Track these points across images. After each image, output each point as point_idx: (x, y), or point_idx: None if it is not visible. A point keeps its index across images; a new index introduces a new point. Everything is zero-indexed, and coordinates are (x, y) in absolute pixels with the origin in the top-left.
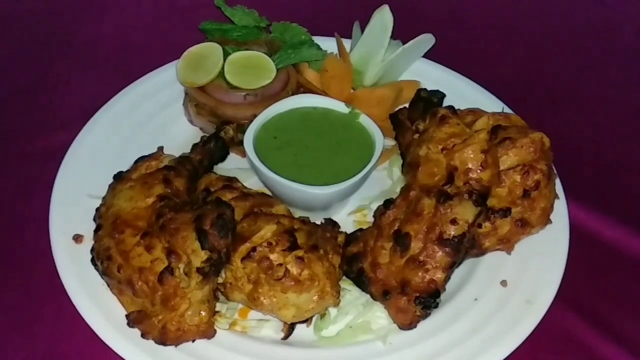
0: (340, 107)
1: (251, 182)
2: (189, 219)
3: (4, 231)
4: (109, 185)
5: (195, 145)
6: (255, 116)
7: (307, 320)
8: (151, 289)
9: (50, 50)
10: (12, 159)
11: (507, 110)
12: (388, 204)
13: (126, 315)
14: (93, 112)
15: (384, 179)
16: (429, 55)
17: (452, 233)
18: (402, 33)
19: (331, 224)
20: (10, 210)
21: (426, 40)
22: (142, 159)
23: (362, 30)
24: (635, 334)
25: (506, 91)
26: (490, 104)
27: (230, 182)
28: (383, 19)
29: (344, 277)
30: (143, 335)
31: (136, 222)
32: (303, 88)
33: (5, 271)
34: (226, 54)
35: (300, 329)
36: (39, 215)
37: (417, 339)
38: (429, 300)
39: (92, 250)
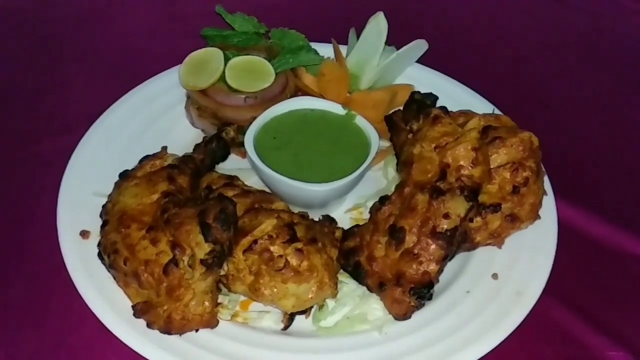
0: (336, 109)
1: (251, 182)
2: (193, 214)
3: (13, 228)
4: (115, 183)
5: (197, 145)
6: (254, 118)
7: (306, 312)
8: (156, 280)
9: (56, 54)
10: (21, 160)
11: (498, 112)
12: (384, 200)
13: (132, 307)
14: (98, 116)
15: (379, 178)
16: (422, 61)
17: (445, 227)
18: (396, 39)
19: (329, 220)
20: (19, 208)
21: (419, 46)
22: (146, 158)
23: (358, 37)
24: (620, 325)
25: (496, 94)
26: (481, 106)
27: (231, 180)
28: (378, 25)
29: (342, 271)
30: (149, 325)
31: (142, 217)
32: (301, 92)
33: (14, 266)
34: (227, 59)
35: (299, 320)
36: (46, 213)
37: (412, 329)
38: (423, 291)
39: (98, 244)
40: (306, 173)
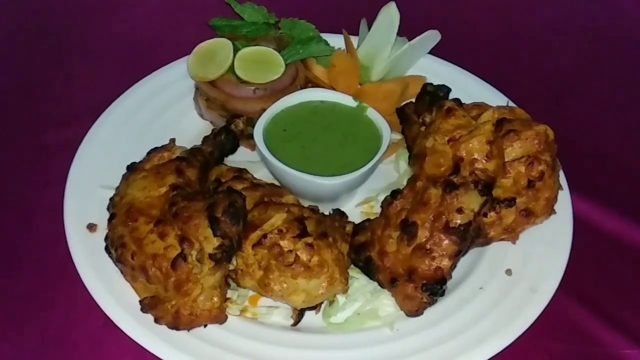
0: (347, 100)
1: (261, 175)
2: (202, 207)
3: (19, 221)
4: (123, 176)
5: (206, 138)
6: (264, 110)
7: (316, 307)
8: (164, 275)
9: (64, 45)
10: (27, 152)
11: (512, 104)
12: (395, 194)
13: (140, 301)
14: (105, 107)
15: (390, 172)
16: (434, 52)
17: (458, 222)
18: (408, 30)
19: (339, 214)
20: (26, 200)
21: (432, 37)
22: (154, 150)
23: (369, 27)
24: (636, 322)
25: (511, 87)
26: (495, 99)
27: (240, 173)
28: (390, 15)
29: (352, 266)
30: (156, 321)
31: (149, 210)
32: (311, 83)
33: (20, 260)
34: (236, 50)
35: (309, 316)
36: (53, 205)
37: (424, 325)
38: (435, 287)
39: (106, 238)
40: (316, 166)
